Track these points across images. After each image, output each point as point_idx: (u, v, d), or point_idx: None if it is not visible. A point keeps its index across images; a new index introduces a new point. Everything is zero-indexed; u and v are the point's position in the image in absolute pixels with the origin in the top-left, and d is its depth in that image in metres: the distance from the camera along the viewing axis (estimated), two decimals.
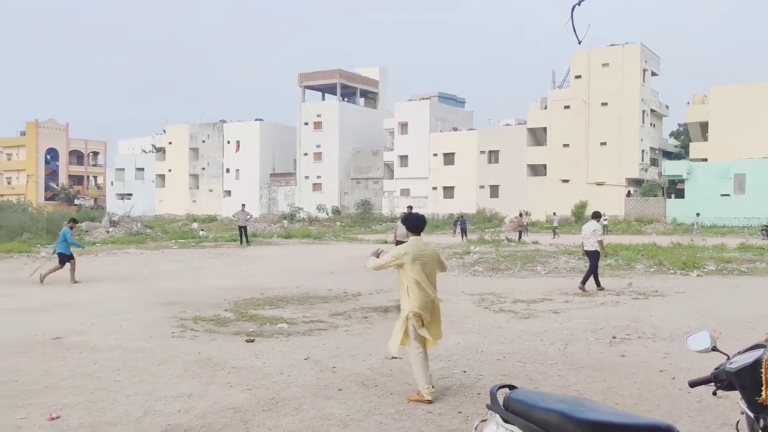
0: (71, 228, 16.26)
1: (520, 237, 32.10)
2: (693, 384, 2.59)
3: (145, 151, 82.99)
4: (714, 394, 2.75)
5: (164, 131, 77.32)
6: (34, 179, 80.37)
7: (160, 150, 76.74)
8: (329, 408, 5.42)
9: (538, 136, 56.18)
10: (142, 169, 78.57)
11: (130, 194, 77.41)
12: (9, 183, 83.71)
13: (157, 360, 7.13)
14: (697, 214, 40.16)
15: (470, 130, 61.30)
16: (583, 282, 13.25)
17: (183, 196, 73.09)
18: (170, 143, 74.97)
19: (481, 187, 57.30)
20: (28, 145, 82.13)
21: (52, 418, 5.09)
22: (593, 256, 13.37)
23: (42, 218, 31.28)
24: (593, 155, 52.27)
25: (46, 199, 76.55)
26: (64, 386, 6.06)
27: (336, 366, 6.87)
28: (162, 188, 75.66)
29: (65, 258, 15.14)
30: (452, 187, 58.81)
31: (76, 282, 14.80)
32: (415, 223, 6.09)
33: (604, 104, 51.90)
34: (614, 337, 8.39)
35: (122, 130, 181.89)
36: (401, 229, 19.10)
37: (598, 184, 51.55)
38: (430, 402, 5.51)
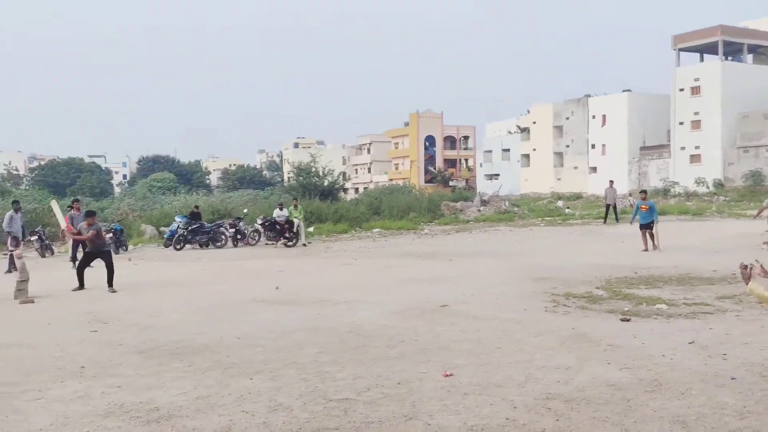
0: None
1: None
2: None
3: (510, 133, 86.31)
4: None
5: (528, 111, 79.19)
6: (416, 164, 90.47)
7: (525, 130, 78.84)
8: (722, 397, 4.94)
9: None
10: (508, 150, 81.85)
11: (498, 175, 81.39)
12: (396, 168, 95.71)
13: (532, 332, 7.43)
14: None
15: None
16: None
17: (547, 175, 73.95)
18: (534, 123, 76.47)
19: None
20: (411, 133, 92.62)
21: (447, 375, 5.73)
22: None
23: (424, 199, 35.16)
24: None
25: (426, 182, 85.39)
26: (454, 348, 6.75)
27: (727, 353, 6.22)
28: (527, 167, 77.74)
29: None
30: None
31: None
32: None
33: None
34: None
35: (489, 115, 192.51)
36: None
37: None
38: None
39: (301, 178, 39.50)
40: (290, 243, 21.05)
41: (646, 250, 16.14)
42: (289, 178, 57.81)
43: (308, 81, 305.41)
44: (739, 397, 4.90)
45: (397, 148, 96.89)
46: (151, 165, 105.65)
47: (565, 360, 6.15)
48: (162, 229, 24.05)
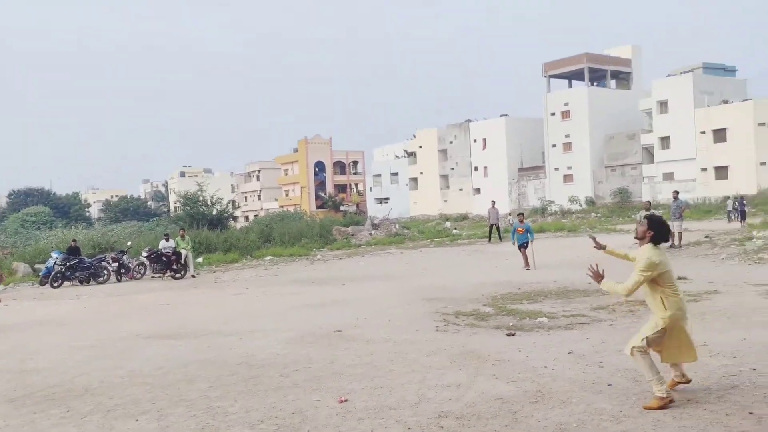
0: None
1: None
2: None
3: (398, 157, 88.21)
4: None
5: (414, 136, 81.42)
6: (306, 190, 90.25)
7: (412, 154, 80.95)
8: (600, 403, 5.26)
9: None
10: (397, 174, 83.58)
11: (387, 198, 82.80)
12: (287, 195, 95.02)
13: (424, 352, 7.58)
14: None
15: (744, 101, 54.14)
16: None
17: (435, 197, 76.14)
18: (420, 147, 78.70)
19: (762, 164, 50.32)
20: (300, 159, 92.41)
21: (342, 401, 5.72)
22: None
23: (315, 225, 35.09)
24: None
25: (317, 207, 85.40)
26: (348, 373, 6.75)
27: (603, 361, 6.64)
28: (415, 190, 79.68)
29: None
30: (725, 167, 52.51)
31: None
32: (665, 231, 5.31)
33: None
34: None
35: (377, 140, 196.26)
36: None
37: None
38: (671, 401, 5.00)
39: (188, 207, 38.30)
40: (178, 275, 20.29)
41: (528, 267, 16.95)
42: (175, 208, 55.85)
43: (193, 108, 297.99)
44: (615, 403, 5.24)
45: (287, 174, 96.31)
46: (23, 198, 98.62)
47: (456, 377, 6.32)
48: (37, 266, 22.46)
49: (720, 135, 52.90)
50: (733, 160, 51.77)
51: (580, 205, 56.84)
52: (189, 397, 6.18)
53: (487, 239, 28.58)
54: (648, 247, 5.21)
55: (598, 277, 5.34)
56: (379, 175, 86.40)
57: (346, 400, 5.72)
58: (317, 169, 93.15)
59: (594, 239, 6.24)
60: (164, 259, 20.39)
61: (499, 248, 24.56)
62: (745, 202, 33.00)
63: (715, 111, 53.36)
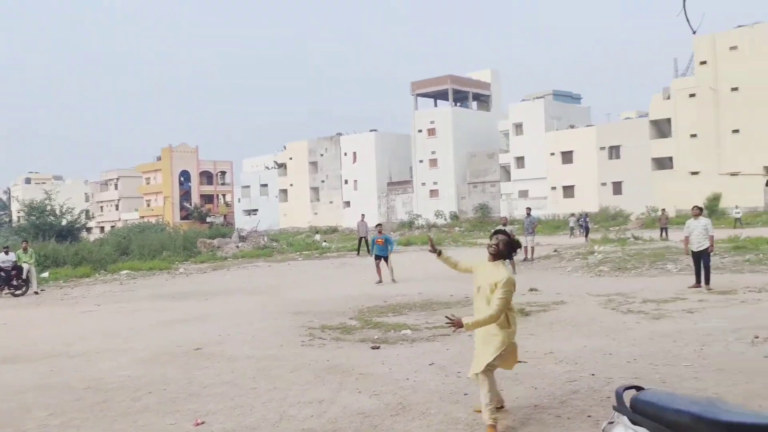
0: None
1: (663, 233, 30.36)
2: None
3: (267, 168, 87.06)
4: None
5: (285, 147, 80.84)
6: (170, 201, 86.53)
7: (282, 166, 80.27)
8: (456, 412, 5.44)
9: (662, 128, 53.14)
10: (266, 185, 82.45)
11: (256, 210, 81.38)
12: (149, 205, 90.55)
13: (288, 368, 7.47)
14: None
15: (588, 126, 59.09)
16: (708, 281, 12.66)
17: (305, 209, 75.90)
18: (291, 159, 78.26)
19: (603, 184, 55.02)
20: (164, 168, 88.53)
21: (198, 424, 5.48)
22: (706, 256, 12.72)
23: (179, 237, 33.67)
24: (725, 144, 48.69)
25: (182, 218, 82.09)
26: (207, 393, 6.49)
27: (461, 371, 6.87)
28: (285, 202, 78.98)
29: None
30: (572, 186, 56.92)
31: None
32: (513, 248, 5.17)
33: (734, 89, 48.24)
34: (756, 337, 7.78)
35: (247, 149, 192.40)
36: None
37: (732, 174, 47.85)
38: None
39: (33, 217, 35.44)
40: (18, 292, 18.59)
41: (381, 281, 16.73)
42: (18, 217, 51.36)
43: (42, 110, 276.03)
44: (470, 411, 5.43)
45: (148, 183, 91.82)
46: None
47: (319, 393, 6.27)
48: None
49: (567, 157, 57.31)
50: (579, 180, 56.22)
51: (445, 219, 59.10)
52: (24, 427, 5.64)
53: (356, 252, 28.85)
54: (501, 264, 5.06)
55: (458, 323, 4.75)
56: (248, 186, 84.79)
57: (202, 423, 5.49)
58: (182, 179, 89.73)
59: (431, 241, 5.86)
60: (2, 274, 18.63)
61: (367, 261, 24.82)
62: (588, 219, 35.88)
63: (563, 135, 57.78)
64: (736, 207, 40.23)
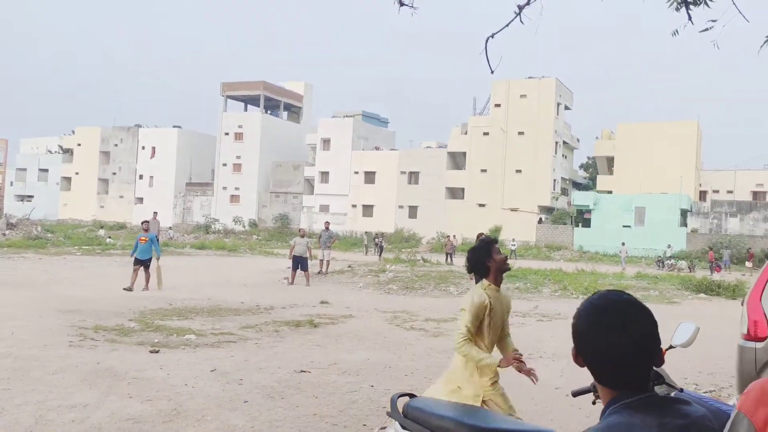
0: None
1: (448, 258, 32.53)
2: (575, 394, 2.74)
3: (50, 152, 78.94)
4: (593, 403, 2.90)
5: (73, 132, 73.99)
6: None
7: (68, 151, 73.30)
8: (233, 419, 5.32)
9: (457, 161, 57.55)
10: (47, 171, 74.72)
11: (32, 196, 73.36)
12: None
13: (51, 369, 6.78)
14: (623, 244, 39.67)
15: (392, 150, 62.09)
16: None
17: (90, 201, 69.93)
18: (79, 145, 71.76)
19: (400, 207, 57.98)
20: None
21: None
22: None
23: None
24: (509, 182, 54.07)
25: None
26: None
27: (243, 378, 6.76)
28: (67, 191, 72.11)
29: None
30: (371, 206, 59.18)
31: None
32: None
33: (521, 133, 53.92)
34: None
35: (27, 128, 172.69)
36: (300, 246, 18.50)
37: (513, 209, 53.30)
38: None
39: None
40: None
41: (130, 288, 14.44)
42: None
43: None
44: (248, 419, 5.36)
45: None
46: None
47: (84, 397, 5.76)
48: None
49: (370, 177, 59.65)
50: (379, 200, 58.74)
51: (244, 227, 58.10)
52: None
53: None
54: (477, 284, 4.04)
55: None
56: (24, 169, 76.17)
57: None
58: None
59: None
60: None
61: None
62: (384, 239, 37.59)
63: (368, 155, 60.09)
64: (513, 240, 44.73)
